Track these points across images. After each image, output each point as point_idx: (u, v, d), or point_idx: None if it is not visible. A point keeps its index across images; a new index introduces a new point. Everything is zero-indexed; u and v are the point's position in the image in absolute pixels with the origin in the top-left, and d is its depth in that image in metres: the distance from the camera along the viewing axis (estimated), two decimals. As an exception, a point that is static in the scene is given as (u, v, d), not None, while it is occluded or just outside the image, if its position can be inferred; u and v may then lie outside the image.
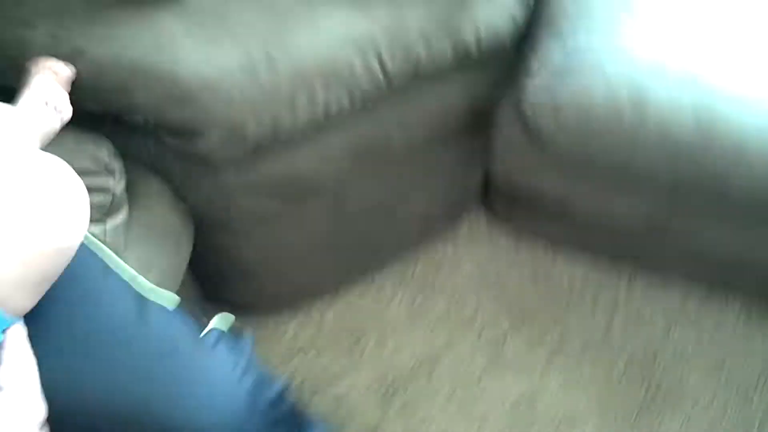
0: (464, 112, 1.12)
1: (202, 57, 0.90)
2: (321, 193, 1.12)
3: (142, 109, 0.92)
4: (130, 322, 0.78)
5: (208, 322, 0.92)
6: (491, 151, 1.13)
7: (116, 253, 0.90)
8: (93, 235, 0.91)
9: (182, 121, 0.93)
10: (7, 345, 0.66)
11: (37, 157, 0.72)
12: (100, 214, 0.93)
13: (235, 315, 1.29)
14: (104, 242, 0.91)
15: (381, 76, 0.98)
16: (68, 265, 0.71)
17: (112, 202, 0.94)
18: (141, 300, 0.83)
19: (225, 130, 0.93)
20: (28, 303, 0.68)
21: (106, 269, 0.84)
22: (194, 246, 1.13)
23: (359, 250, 1.32)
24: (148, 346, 0.77)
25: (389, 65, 0.97)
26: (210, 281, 1.27)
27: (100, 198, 0.92)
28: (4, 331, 0.65)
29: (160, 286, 0.99)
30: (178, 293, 1.04)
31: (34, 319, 0.69)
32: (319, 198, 1.13)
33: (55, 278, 0.71)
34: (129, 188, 0.98)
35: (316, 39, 0.94)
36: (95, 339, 0.76)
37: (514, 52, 1.08)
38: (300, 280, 1.33)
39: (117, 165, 0.95)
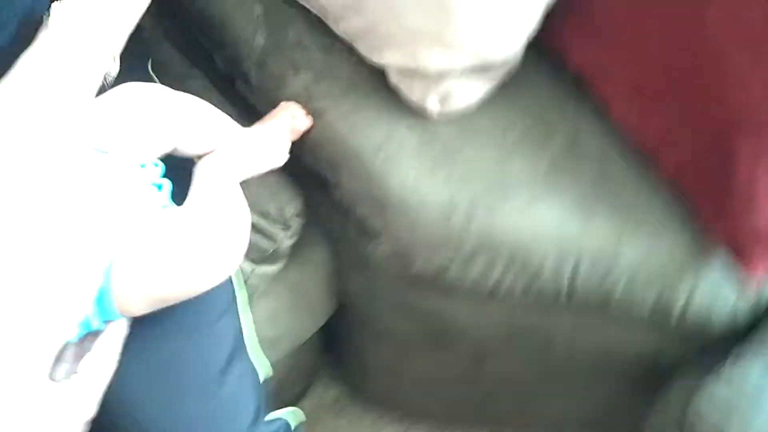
0: (634, 361, 1.05)
1: (410, 176, 0.91)
2: (465, 346, 1.10)
3: (342, 189, 0.96)
4: (214, 373, 0.79)
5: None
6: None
7: (251, 296, 0.94)
8: (241, 270, 0.95)
9: (365, 219, 0.95)
10: (104, 336, 0.68)
11: (230, 195, 0.76)
12: (257, 256, 0.96)
13: (342, 394, 1.31)
14: (246, 282, 0.95)
15: (565, 287, 0.93)
16: None
17: (272, 252, 0.97)
18: (237, 353, 0.83)
19: (395, 250, 0.94)
20: (142, 312, 0.70)
21: (228, 308, 0.85)
22: (328, 319, 1.15)
23: (486, 411, 1.27)
24: (215, 405, 0.78)
25: (579, 281, 0.93)
26: (331, 350, 1.28)
27: (264, 243, 0.95)
28: (106, 322, 0.69)
29: (277, 343, 1.03)
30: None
31: (136, 323, 0.71)
32: (461, 349, 1.11)
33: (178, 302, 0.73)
34: (295, 244, 1.01)
35: (524, 220, 0.92)
36: (174, 372, 0.77)
37: (714, 344, 0.99)
38: (413, 396, 1.30)
39: (295, 223, 0.97)
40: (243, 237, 0.75)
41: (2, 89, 0.66)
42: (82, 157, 0.68)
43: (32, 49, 0.68)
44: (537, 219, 0.92)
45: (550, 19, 0.90)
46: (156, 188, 0.74)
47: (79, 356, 0.66)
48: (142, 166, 0.73)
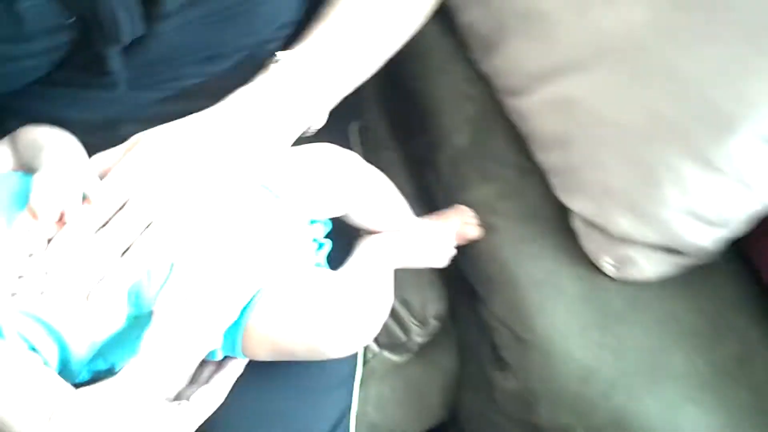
0: None
1: (562, 325, 0.88)
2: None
3: (488, 310, 0.95)
4: None
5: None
6: None
7: (366, 377, 0.93)
8: (366, 349, 0.96)
9: (502, 348, 0.93)
10: (224, 371, 0.69)
11: (381, 277, 0.77)
12: (385, 342, 0.96)
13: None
14: (366, 362, 0.95)
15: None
16: None
17: (401, 343, 0.97)
18: (339, 429, 0.81)
19: (522, 391, 0.91)
20: (264, 358, 0.70)
21: (345, 382, 0.84)
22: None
23: None
24: None
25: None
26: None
27: (396, 332, 0.95)
28: (225, 357, 0.69)
29: (375, 430, 1.02)
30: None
31: (252, 366, 0.71)
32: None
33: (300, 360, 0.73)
34: (426, 343, 1.00)
35: (667, 415, 0.85)
36: (271, 426, 0.75)
37: None
38: None
39: (433, 323, 0.97)
40: (379, 318, 0.75)
41: (210, 116, 0.69)
42: (258, 197, 0.71)
43: (249, 88, 0.71)
44: (680, 419, 0.85)
45: (755, 227, 0.85)
46: (316, 245, 0.76)
47: (195, 383, 0.67)
48: (311, 222, 0.75)
